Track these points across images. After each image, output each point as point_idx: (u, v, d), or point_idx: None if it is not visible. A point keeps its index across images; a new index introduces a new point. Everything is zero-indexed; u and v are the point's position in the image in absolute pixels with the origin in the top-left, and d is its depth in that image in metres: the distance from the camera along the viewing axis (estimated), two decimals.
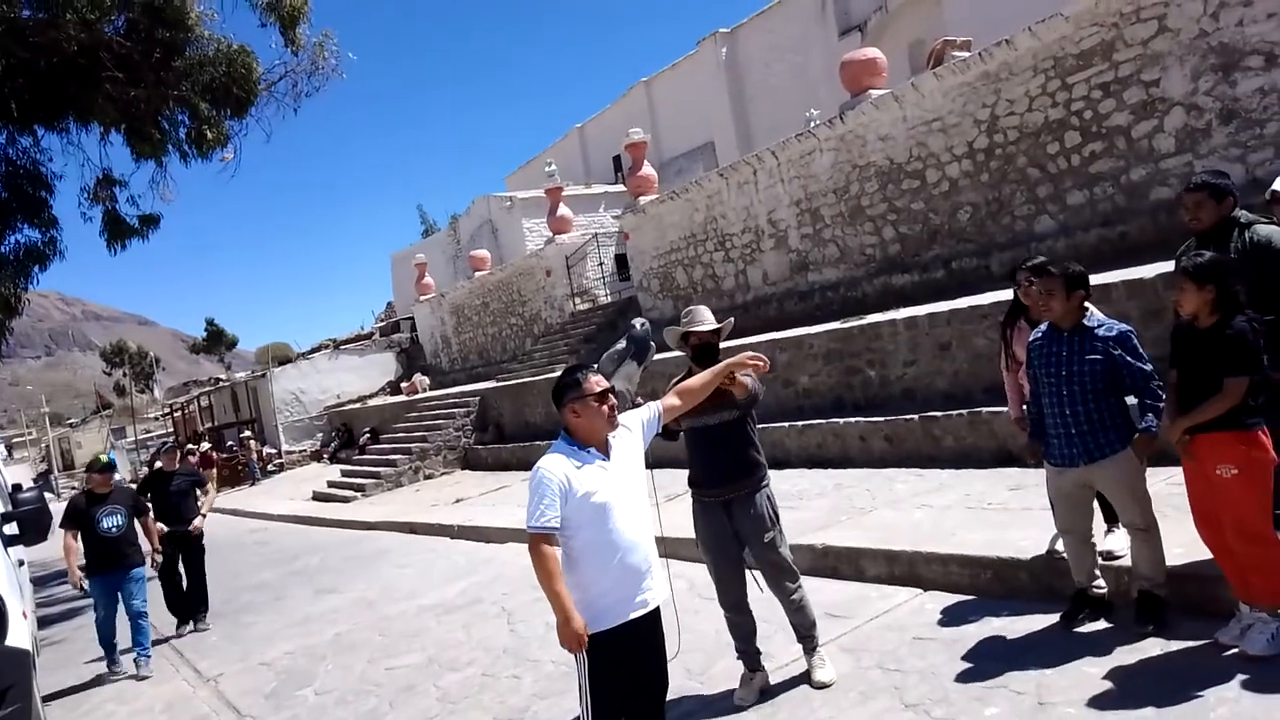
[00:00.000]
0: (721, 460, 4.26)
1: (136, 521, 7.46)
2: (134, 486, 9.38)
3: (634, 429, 3.35)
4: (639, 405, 3.58)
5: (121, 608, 7.31)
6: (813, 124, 14.81)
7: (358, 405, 28.34)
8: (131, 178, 16.62)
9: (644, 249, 17.86)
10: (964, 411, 7.91)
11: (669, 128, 30.52)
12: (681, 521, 7.89)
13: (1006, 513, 5.87)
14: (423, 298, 28.37)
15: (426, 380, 27.10)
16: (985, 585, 4.97)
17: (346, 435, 26.08)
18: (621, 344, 4.00)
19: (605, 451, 3.17)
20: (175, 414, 45.48)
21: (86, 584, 7.07)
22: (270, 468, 28.73)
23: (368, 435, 23.27)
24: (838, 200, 13.41)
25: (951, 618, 4.69)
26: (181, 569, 8.57)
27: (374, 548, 11.36)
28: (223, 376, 47.23)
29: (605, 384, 3.19)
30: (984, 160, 11.15)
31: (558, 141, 36.76)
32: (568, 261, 21.11)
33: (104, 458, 7.58)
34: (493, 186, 33.82)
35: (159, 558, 7.89)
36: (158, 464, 9.47)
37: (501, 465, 15.67)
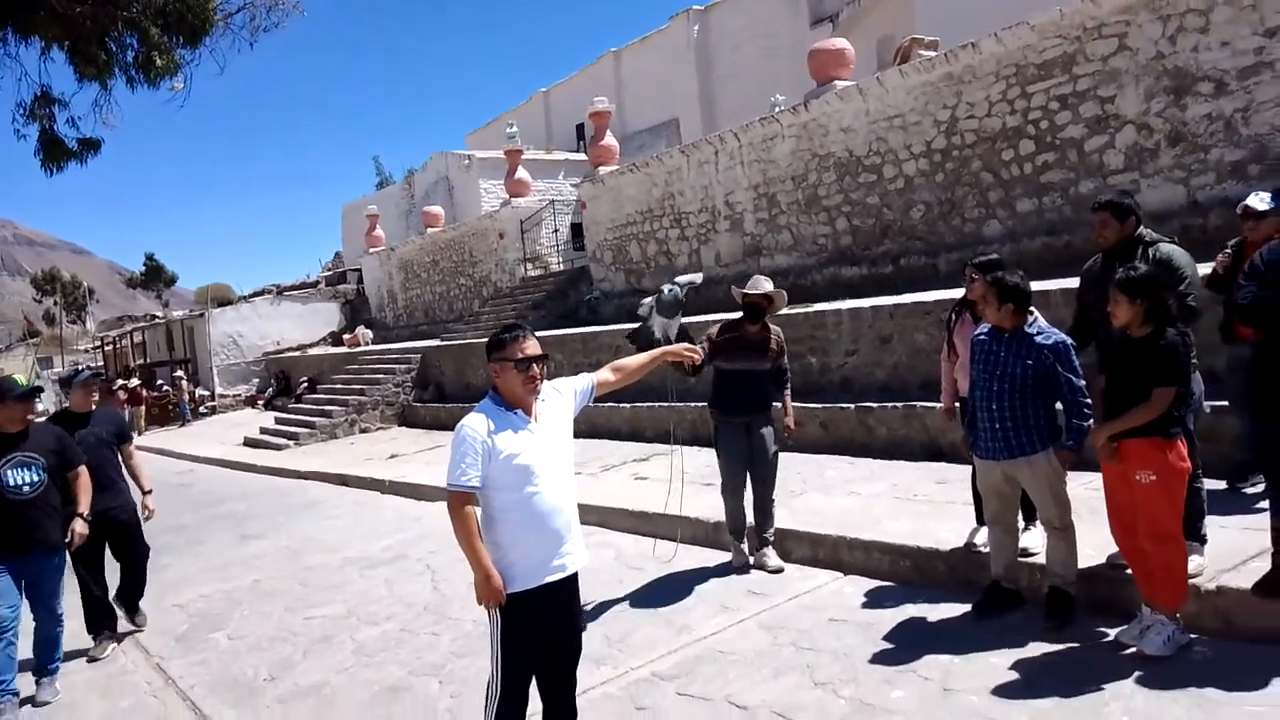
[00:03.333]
0: (751, 394, 5.70)
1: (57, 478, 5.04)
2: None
3: (565, 394, 3.33)
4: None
5: (25, 608, 4.92)
6: (776, 109, 14.82)
7: (297, 353, 27.80)
8: (73, 99, 15.78)
9: (600, 220, 17.77)
10: (899, 404, 8.06)
11: (635, 101, 30.29)
12: (616, 492, 7.97)
13: (931, 505, 6.01)
14: (372, 250, 27.88)
15: (370, 334, 26.68)
16: (904, 573, 5.09)
17: (284, 383, 25.57)
18: (649, 301, 5.60)
19: (530, 414, 3.15)
20: (106, 347, 44.12)
21: None
22: (202, 410, 28.06)
23: (305, 384, 22.86)
24: (795, 188, 13.48)
25: (870, 601, 4.80)
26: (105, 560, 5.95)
27: (304, 498, 11.19)
28: (159, 314, 45.95)
29: (534, 349, 3.12)
30: (940, 161, 11.29)
31: (522, 104, 36.22)
32: (522, 226, 20.91)
33: (22, 379, 5.02)
34: (453, 144, 33.30)
35: (82, 530, 5.06)
36: (64, 403, 6.28)
37: (439, 425, 15.53)
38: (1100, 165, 9.63)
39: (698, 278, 6.06)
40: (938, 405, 5.95)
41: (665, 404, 10.33)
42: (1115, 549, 4.20)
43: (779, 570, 5.49)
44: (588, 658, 4.31)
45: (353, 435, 16.85)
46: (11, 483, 4.73)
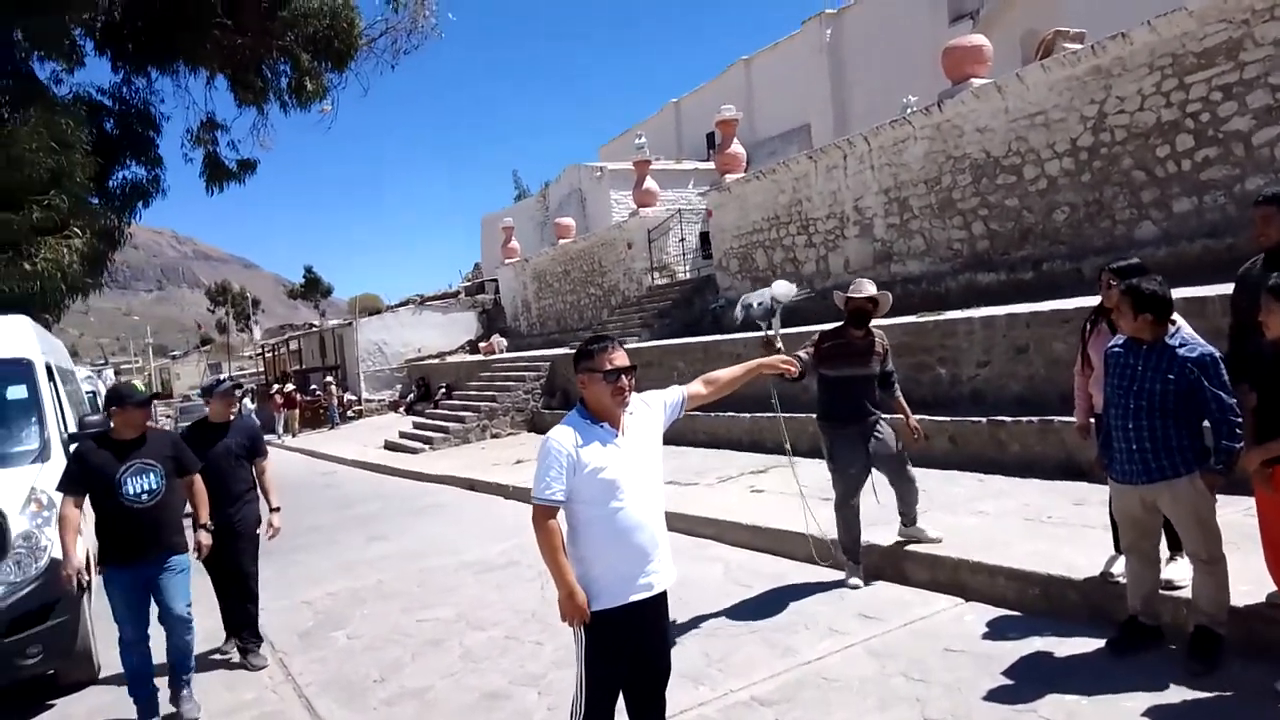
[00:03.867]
0: (861, 401, 5.56)
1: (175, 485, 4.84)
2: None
3: (654, 407, 3.23)
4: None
5: (154, 617, 4.77)
6: (908, 111, 14.29)
7: (436, 360, 28.92)
8: (233, 123, 17.18)
9: (726, 228, 17.62)
10: (1034, 419, 7.55)
11: (765, 108, 29.99)
12: (731, 504, 7.81)
13: (1065, 528, 5.57)
14: (507, 261, 28.68)
15: (504, 342, 27.45)
16: (1032, 602, 4.72)
17: (424, 388, 26.62)
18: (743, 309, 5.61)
19: (618, 427, 3.07)
20: (267, 354, 47.23)
21: (89, 579, 4.88)
22: (349, 414, 29.58)
23: (443, 390, 23.73)
24: (928, 191, 12.95)
25: (991, 631, 4.47)
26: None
27: (431, 501, 11.55)
28: (315, 323, 48.81)
29: (622, 361, 3.04)
30: (1086, 159, 10.58)
31: (653, 116, 36.51)
32: (649, 235, 21.00)
33: (139, 385, 5.28)
34: (587, 156, 33.85)
35: (207, 541, 4.96)
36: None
37: None
38: (1271, 160, 8.76)
39: (792, 289, 5.68)
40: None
41: (786, 414, 10.09)
42: (1275, 587, 3.75)
43: (938, 540, 5.50)
44: (685, 675, 4.22)
45: (484, 440, 17.31)
46: (131, 491, 4.56)
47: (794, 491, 8.04)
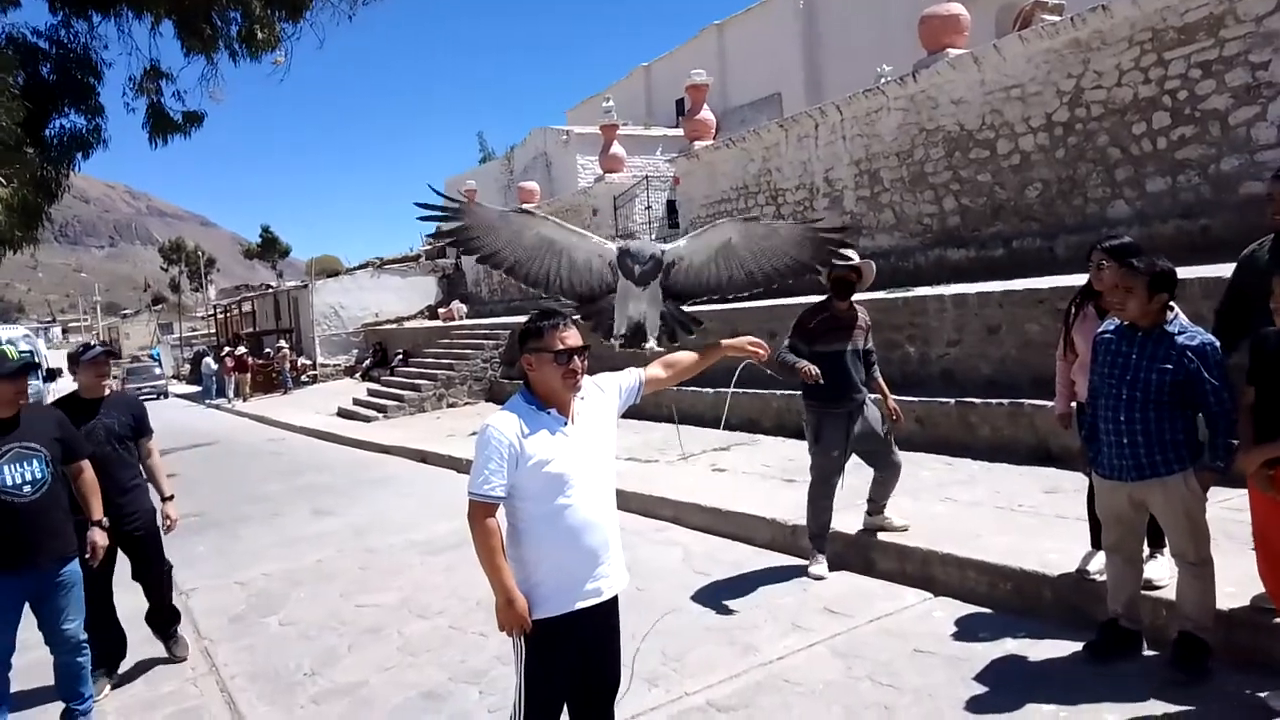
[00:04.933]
0: (852, 377, 5.24)
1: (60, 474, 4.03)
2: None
3: (608, 392, 2.90)
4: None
5: (33, 636, 4.05)
6: (883, 81, 13.98)
7: (394, 326, 28.29)
8: (180, 73, 16.32)
9: (694, 196, 17.25)
10: (1005, 401, 7.35)
11: (737, 75, 29.47)
12: (690, 484, 7.54)
13: (1038, 518, 5.36)
14: None
15: (464, 308, 26.90)
16: (1004, 598, 4.49)
17: (380, 354, 26.04)
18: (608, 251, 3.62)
19: (567, 414, 2.73)
20: (220, 315, 46.09)
21: None
22: (304, 378, 28.88)
23: (400, 357, 23.20)
24: (900, 164, 12.69)
25: (962, 630, 4.22)
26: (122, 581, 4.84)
27: (382, 473, 11.16)
28: (273, 284, 47.63)
29: (575, 340, 2.69)
30: (1061, 135, 10.36)
31: (622, 80, 35.79)
32: (615, 202, 20.55)
33: (11, 351, 3.89)
34: (554, 120, 33.11)
35: (102, 541, 4.13)
36: (73, 383, 5.02)
37: None
38: (1248, 140, 8.59)
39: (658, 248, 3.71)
40: (1049, 405, 5.31)
41: (753, 391, 9.82)
42: (1262, 589, 3.54)
43: (905, 528, 5.28)
44: (639, 676, 3.93)
45: (440, 410, 16.89)
46: (10, 481, 3.74)
47: (756, 471, 7.83)
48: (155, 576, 4.87)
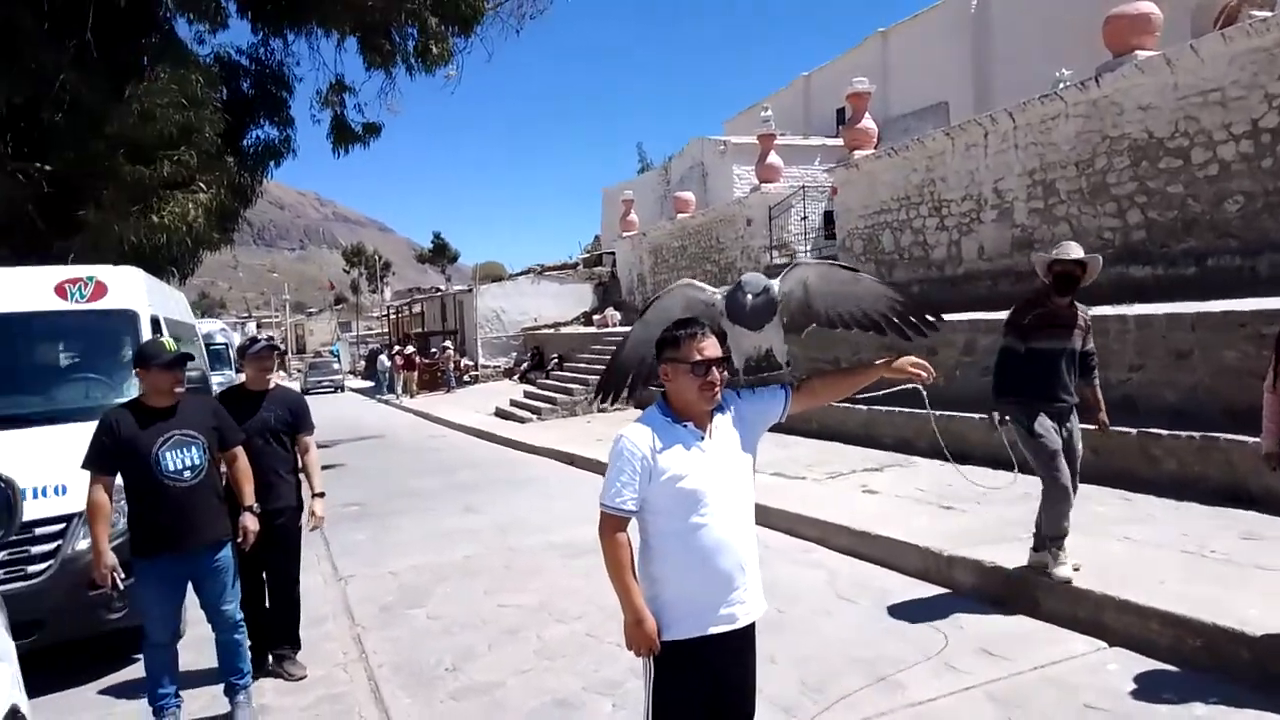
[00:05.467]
0: (1067, 379, 4.99)
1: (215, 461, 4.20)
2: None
3: (751, 407, 2.75)
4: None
5: (196, 615, 4.36)
6: (1061, 85, 13.11)
7: (551, 331, 29.03)
8: (361, 86, 17.39)
9: (852, 207, 16.76)
10: (1195, 434, 6.66)
11: (900, 84, 28.49)
12: (838, 504, 7.24)
13: (1233, 567, 4.79)
14: (625, 234, 28.43)
15: (618, 315, 27.27)
16: (1192, 655, 4.02)
17: (537, 358, 26.77)
18: (716, 299, 2.95)
19: (704, 428, 2.60)
20: (392, 316, 48.77)
21: (123, 580, 3.95)
22: (466, 378, 30.11)
23: (555, 361, 23.77)
24: (1078, 174, 11.84)
25: (1142, 688, 3.80)
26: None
27: (530, 473, 11.39)
28: (442, 287, 49.99)
29: (714, 351, 2.56)
30: (1269, 143, 9.37)
31: (781, 90, 35.34)
32: (770, 212, 20.27)
33: (169, 343, 4.16)
34: (712, 131, 33.14)
35: (254, 526, 4.24)
36: (240, 376, 5.17)
37: None
38: None
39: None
40: (1250, 440, 4.76)
41: (909, 410, 9.39)
42: None
43: (1066, 581, 4.74)
44: (774, 703, 3.77)
45: (591, 414, 17.14)
46: (171, 467, 3.91)
47: (910, 495, 7.45)
48: (287, 576, 4.88)
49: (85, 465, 3.96)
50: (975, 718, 3.64)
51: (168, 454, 3.94)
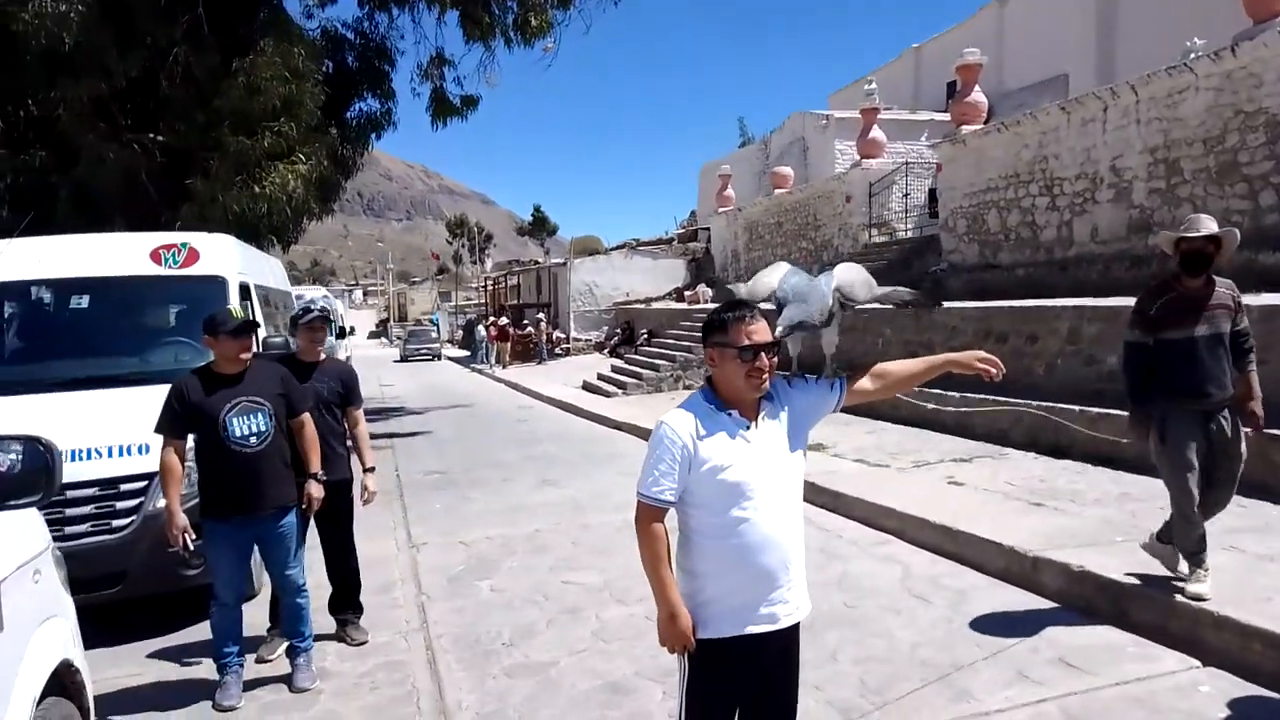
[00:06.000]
0: (1208, 370, 4.39)
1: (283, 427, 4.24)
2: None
3: (802, 396, 2.58)
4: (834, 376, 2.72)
5: (263, 579, 4.76)
6: (1192, 56, 12.19)
7: (642, 305, 29.03)
8: (461, 60, 17.55)
9: (957, 184, 16.06)
10: None
11: (1016, 56, 27.13)
12: (921, 496, 6.95)
13: None
14: (721, 209, 28.09)
15: (709, 292, 26.98)
16: None
17: (628, 332, 26.82)
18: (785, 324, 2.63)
19: (751, 417, 2.44)
20: (488, 287, 49.65)
21: (194, 541, 4.08)
22: (557, 350, 30.42)
23: (645, 336, 23.76)
24: (1206, 152, 11.01)
25: (1236, 713, 3.48)
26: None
27: (610, 449, 11.38)
28: (540, 260, 50.63)
29: (763, 336, 2.38)
30: None
31: (891, 62, 34.17)
32: (871, 189, 19.65)
33: (236, 310, 4.34)
34: (817, 105, 32.27)
35: (318, 493, 4.36)
36: (276, 339, 5.53)
37: None
38: None
39: (870, 281, 2.88)
40: None
41: (1003, 399, 8.94)
42: None
43: (1198, 598, 4.22)
44: (833, 705, 3.61)
45: (676, 390, 17.05)
46: (238, 433, 4.00)
47: (999, 489, 7.09)
48: (343, 544, 4.91)
49: (157, 430, 4.10)
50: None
51: (235, 420, 4.02)
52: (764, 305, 2.65)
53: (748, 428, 2.43)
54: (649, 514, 2.42)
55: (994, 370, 2.62)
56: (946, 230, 16.36)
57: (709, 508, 2.41)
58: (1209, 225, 4.40)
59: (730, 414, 2.43)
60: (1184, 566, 4.49)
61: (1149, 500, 6.28)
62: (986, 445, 8.86)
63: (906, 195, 19.89)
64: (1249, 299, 7.74)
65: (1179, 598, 4.31)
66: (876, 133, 20.00)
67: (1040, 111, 14.17)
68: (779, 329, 2.53)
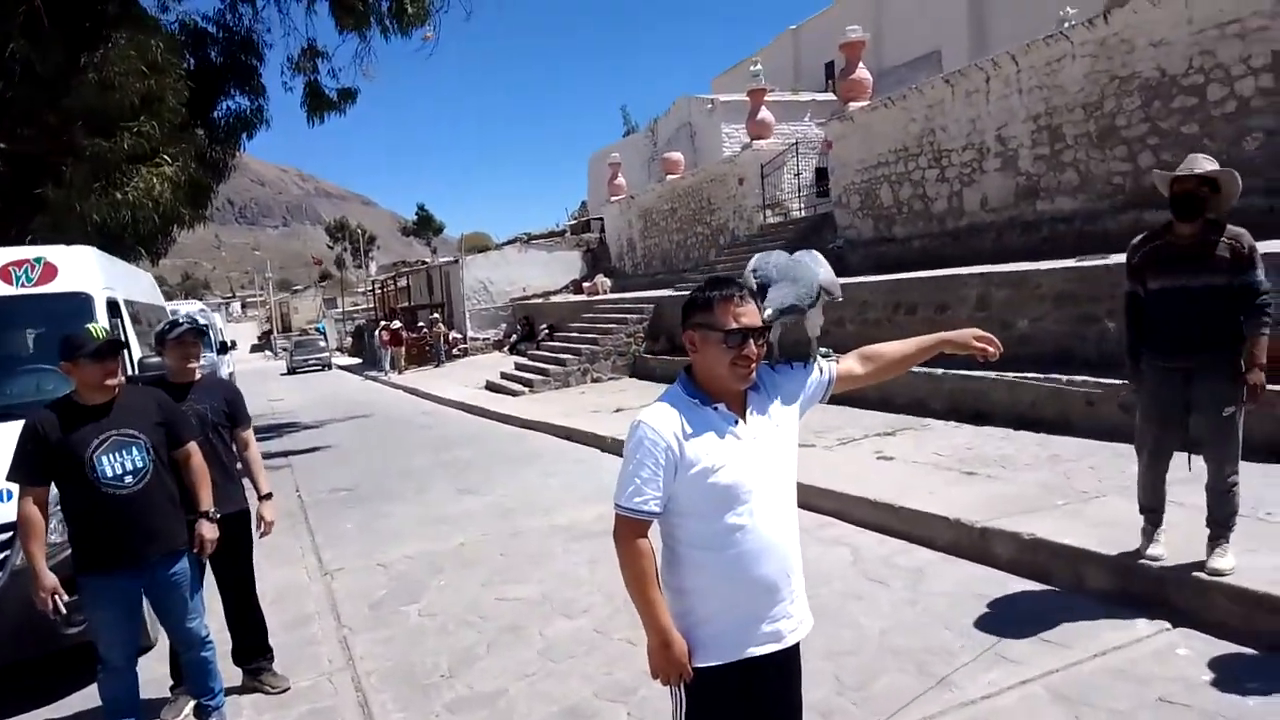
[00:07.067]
0: (1192, 325, 4.05)
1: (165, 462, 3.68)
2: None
3: (790, 385, 2.30)
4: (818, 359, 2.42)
5: (159, 628, 4.31)
6: (1067, 25, 12.56)
7: (540, 300, 28.49)
8: (335, 51, 16.69)
9: (848, 161, 16.22)
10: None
11: (893, 33, 27.77)
12: (854, 473, 6.84)
13: None
14: (613, 199, 27.82)
15: (609, 282, 26.76)
16: (1274, 634, 3.62)
17: (527, 328, 26.27)
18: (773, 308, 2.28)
19: (739, 411, 2.15)
20: (377, 291, 48.04)
21: (65, 601, 3.46)
22: (455, 352, 29.57)
23: (546, 331, 23.27)
24: (1086, 117, 11.35)
25: (1221, 677, 3.39)
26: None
27: (526, 449, 10.96)
28: (428, 259, 49.27)
29: (752, 319, 2.09)
30: None
31: (770, 44, 34.57)
32: (763, 170, 19.70)
33: (96, 330, 3.57)
34: (699, 90, 32.30)
35: (212, 535, 3.79)
36: (154, 360, 4.69)
37: (669, 377, 14.86)
38: None
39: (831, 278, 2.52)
40: None
41: (921, 369, 8.97)
42: None
43: (1219, 573, 3.92)
44: (811, 708, 3.33)
45: (584, 384, 16.70)
46: (110, 472, 3.41)
47: (929, 460, 7.04)
48: (243, 581, 4.39)
49: (10, 477, 3.47)
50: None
51: (104, 458, 3.43)
52: None
53: (736, 423, 2.13)
54: (631, 529, 2.10)
55: (992, 349, 2.38)
56: (840, 207, 16.51)
57: (699, 515, 2.10)
58: (1204, 164, 4.07)
59: (716, 408, 2.12)
60: (1154, 546, 4.31)
61: (1078, 459, 6.34)
62: (908, 417, 8.86)
63: (798, 175, 20.04)
64: None
65: (1140, 561, 4.25)
66: (765, 114, 20.05)
67: (926, 85, 14.40)
68: (767, 312, 2.22)
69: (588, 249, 31.39)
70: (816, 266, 2.44)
